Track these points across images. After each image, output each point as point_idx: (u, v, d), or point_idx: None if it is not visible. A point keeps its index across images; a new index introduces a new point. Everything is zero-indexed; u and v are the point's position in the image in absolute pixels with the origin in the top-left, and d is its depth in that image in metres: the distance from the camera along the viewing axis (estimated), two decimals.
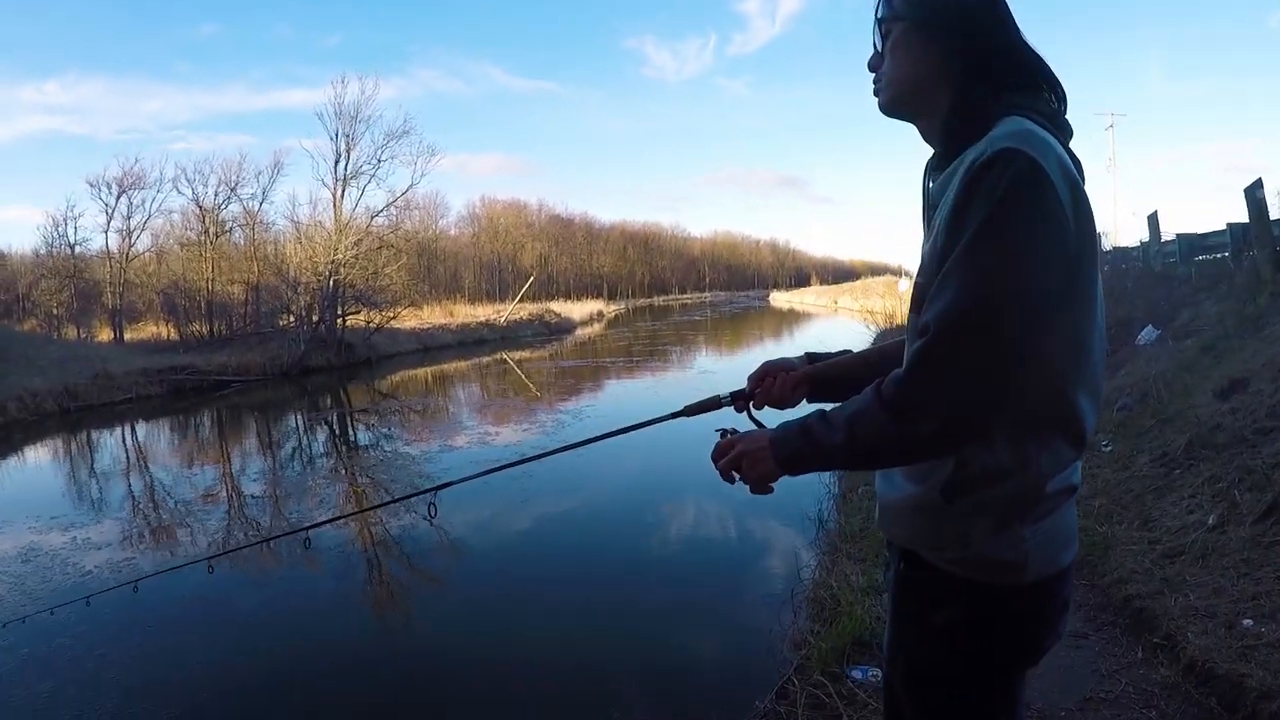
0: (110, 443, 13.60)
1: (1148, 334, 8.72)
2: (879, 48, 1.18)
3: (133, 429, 14.60)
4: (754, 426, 1.21)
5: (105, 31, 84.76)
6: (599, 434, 1.43)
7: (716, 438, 1.17)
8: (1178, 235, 13.15)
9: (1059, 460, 1.04)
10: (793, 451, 1.07)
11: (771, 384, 1.37)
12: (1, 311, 33.91)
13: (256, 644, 4.71)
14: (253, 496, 8.59)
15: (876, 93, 1.19)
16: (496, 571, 5.83)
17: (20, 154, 75.79)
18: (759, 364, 1.41)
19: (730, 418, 1.28)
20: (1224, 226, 10.57)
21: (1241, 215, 9.01)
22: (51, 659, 4.42)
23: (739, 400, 1.37)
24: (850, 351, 1.43)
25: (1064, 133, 1.08)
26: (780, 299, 72.17)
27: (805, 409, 1.22)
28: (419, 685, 4.17)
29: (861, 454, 1.05)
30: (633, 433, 1.43)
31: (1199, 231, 12.43)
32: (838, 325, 29.14)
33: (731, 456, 1.12)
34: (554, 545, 6.33)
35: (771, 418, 1.25)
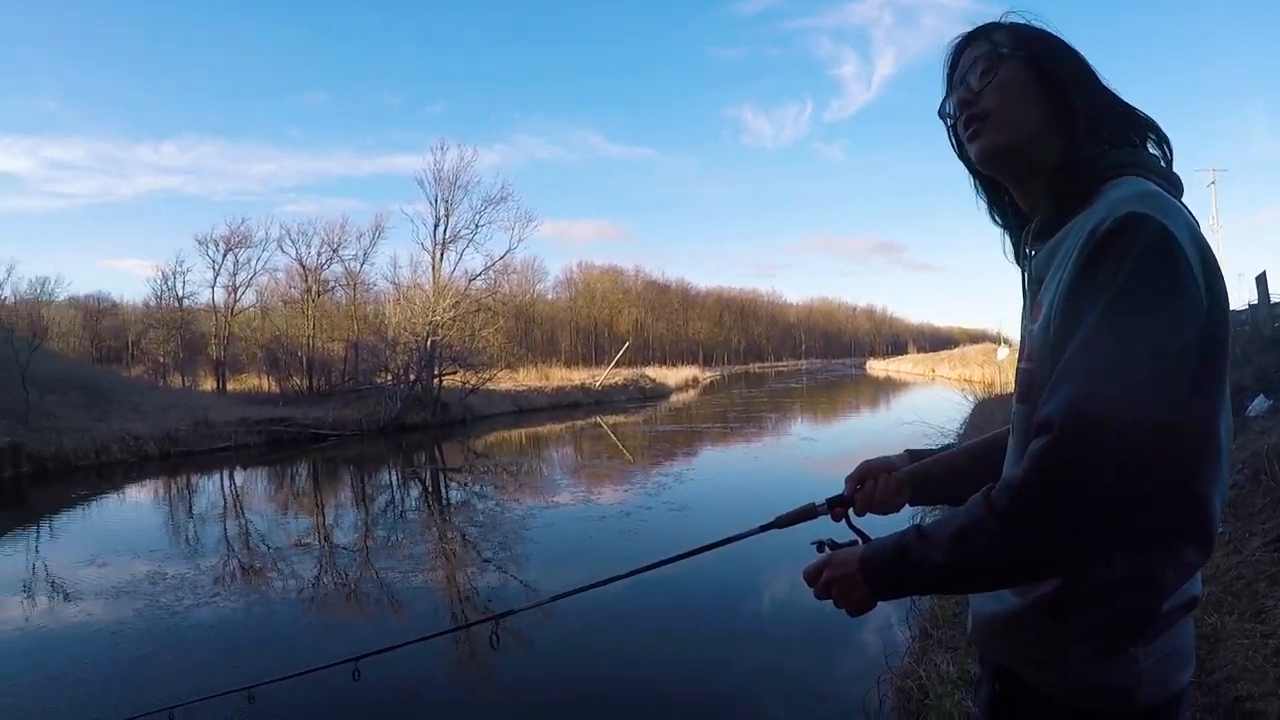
0: (209, 487, 13.76)
1: (1259, 404, 7.88)
2: (973, 85, 1.01)
3: (230, 476, 14.73)
4: (854, 536, 1.10)
5: (221, 96, 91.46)
6: (677, 554, 1.32)
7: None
8: None
9: (1182, 570, 0.89)
10: (887, 577, 0.94)
11: (873, 487, 1.23)
12: (111, 357, 36.37)
13: None
14: (344, 549, 8.56)
15: (976, 134, 1.02)
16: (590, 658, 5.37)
17: (133, 211, 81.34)
18: (857, 463, 1.28)
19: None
20: None
21: None
22: None
23: (836, 507, 1.23)
24: (953, 446, 1.29)
25: (1178, 191, 0.95)
26: (877, 367, 69.77)
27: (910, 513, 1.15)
28: None
29: (968, 574, 0.91)
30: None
31: None
32: (935, 394, 27.18)
33: (821, 584, 0.99)
34: (640, 623, 5.89)
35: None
